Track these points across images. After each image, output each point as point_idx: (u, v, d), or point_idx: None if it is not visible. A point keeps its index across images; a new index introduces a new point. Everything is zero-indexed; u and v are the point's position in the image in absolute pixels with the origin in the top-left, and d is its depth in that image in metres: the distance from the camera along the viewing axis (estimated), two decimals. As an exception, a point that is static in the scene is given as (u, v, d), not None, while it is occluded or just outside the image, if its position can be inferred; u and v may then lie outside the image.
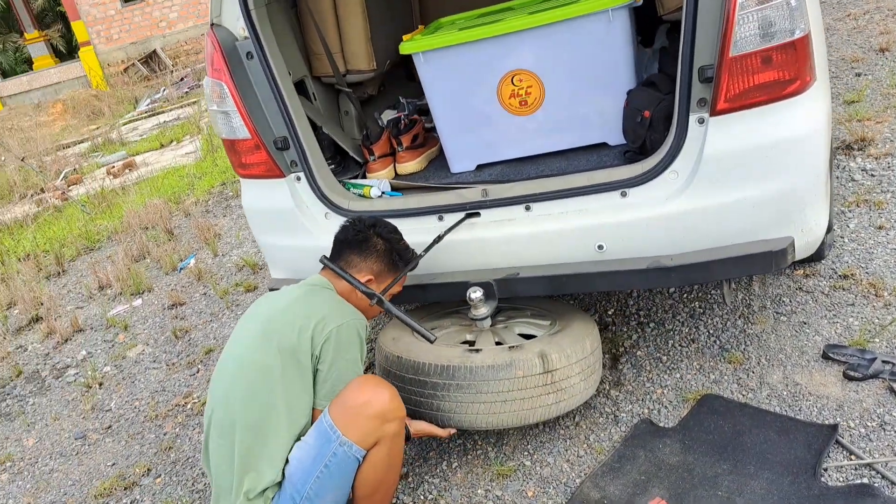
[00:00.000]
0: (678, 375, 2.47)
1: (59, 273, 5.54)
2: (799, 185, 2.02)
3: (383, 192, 2.57)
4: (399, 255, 2.24)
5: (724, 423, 2.20)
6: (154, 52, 17.19)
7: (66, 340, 4.22)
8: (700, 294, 2.82)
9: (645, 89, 2.30)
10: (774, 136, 1.97)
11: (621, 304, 2.95)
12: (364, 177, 2.77)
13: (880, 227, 2.86)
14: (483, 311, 2.25)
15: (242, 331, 2.12)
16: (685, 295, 2.84)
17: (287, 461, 1.93)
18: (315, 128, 2.71)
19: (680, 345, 2.61)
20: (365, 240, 2.20)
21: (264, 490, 1.91)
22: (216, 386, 2.06)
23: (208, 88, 2.51)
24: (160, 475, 2.74)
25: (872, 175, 3.23)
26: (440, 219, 2.38)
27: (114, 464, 2.90)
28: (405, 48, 2.48)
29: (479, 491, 2.24)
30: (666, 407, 2.35)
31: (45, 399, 3.61)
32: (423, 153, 2.79)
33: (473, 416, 2.18)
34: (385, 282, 2.22)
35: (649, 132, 2.22)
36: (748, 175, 2.01)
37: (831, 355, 2.33)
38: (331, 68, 2.85)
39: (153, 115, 12.82)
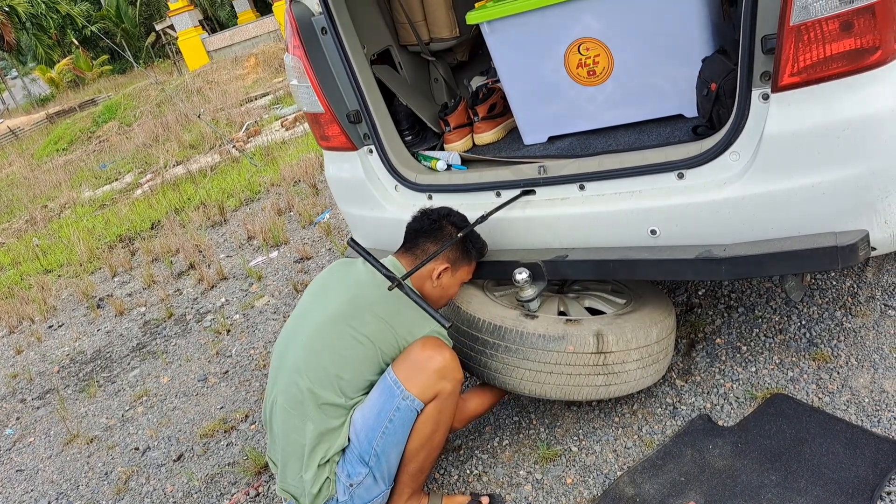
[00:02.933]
0: (753, 369, 2.27)
1: (221, 222, 6.09)
2: (881, 169, 1.74)
3: (449, 166, 2.56)
4: (472, 244, 2.25)
5: (787, 428, 2.01)
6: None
7: (212, 287, 4.67)
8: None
9: (718, 58, 2.07)
10: (850, 114, 1.71)
11: (714, 285, 2.74)
12: (441, 148, 2.76)
13: None
14: (529, 293, 2.19)
15: (317, 304, 2.16)
16: (785, 278, 2.58)
17: (350, 423, 2.03)
18: (394, 99, 2.74)
19: (765, 335, 2.40)
20: (439, 228, 2.21)
21: (331, 457, 2.00)
22: (286, 355, 2.10)
23: (289, 64, 2.61)
24: (255, 422, 3.00)
25: None
26: (497, 195, 2.33)
27: (222, 407, 3.21)
28: (471, 18, 2.41)
29: (521, 472, 2.23)
30: (731, 403, 2.19)
31: (185, 341, 4.04)
32: (500, 123, 2.72)
33: (517, 381, 2.16)
34: (459, 269, 2.23)
35: (716, 107, 2.02)
36: (817, 158, 1.77)
37: (934, 361, 2.03)
38: (414, 37, 2.84)
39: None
